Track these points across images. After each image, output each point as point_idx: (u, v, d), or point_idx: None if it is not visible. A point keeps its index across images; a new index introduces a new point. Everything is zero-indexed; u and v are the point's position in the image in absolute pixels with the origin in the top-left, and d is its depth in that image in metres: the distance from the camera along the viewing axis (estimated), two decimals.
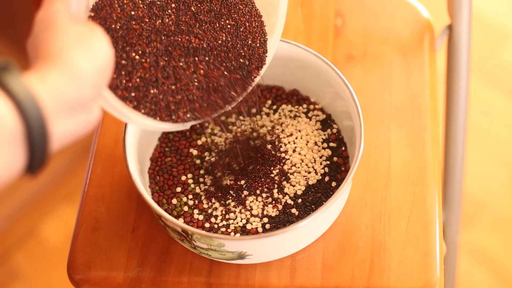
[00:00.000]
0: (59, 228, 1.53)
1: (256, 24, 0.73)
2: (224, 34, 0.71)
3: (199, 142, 0.82)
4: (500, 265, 1.44)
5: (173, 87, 0.69)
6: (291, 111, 0.83)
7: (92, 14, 0.67)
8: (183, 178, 0.79)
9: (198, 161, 0.80)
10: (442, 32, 0.96)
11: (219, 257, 0.74)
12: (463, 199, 1.36)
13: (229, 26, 0.72)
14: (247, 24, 0.73)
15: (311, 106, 0.84)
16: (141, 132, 0.79)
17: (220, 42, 0.71)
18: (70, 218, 1.53)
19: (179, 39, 0.70)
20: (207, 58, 0.71)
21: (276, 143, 0.80)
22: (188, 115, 0.70)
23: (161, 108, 0.69)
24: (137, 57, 0.68)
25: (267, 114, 0.83)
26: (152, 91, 0.68)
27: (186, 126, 0.71)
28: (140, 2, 0.69)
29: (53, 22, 0.55)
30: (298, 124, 0.82)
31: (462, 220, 1.44)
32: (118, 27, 0.67)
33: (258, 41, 0.73)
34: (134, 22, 0.68)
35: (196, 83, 0.70)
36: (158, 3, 0.70)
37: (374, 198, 0.80)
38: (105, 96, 0.63)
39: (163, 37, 0.69)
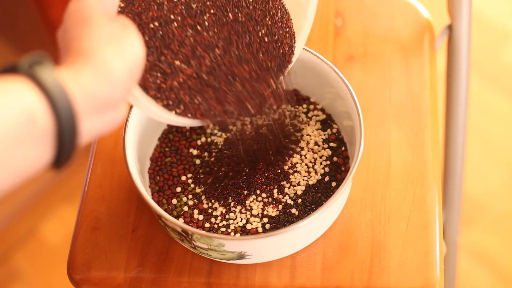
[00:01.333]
0: (59, 228, 1.53)
1: (287, 30, 0.72)
2: (262, 46, 0.71)
3: (199, 142, 0.82)
4: (500, 265, 1.44)
5: (212, 101, 0.69)
6: (291, 111, 0.83)
7: (122, 5, 0.66)
8: (183, 178, 0.79)
9: (198, 161, 0.80)
10: (442, 32, 0.96)
11: (219, 257, 0.74)
12: (463, 199, 1.36)
13: (265, 39, 0.71)
14: (281, 31, 0.72)
15: (311, 106, 0.84)
16: (141, 132, 0.79)
17: (260, 60, 0.71)
18: (70, 218, 1.53)
19: (223, 61, 0.69)
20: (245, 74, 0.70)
21: (277, 144, 0.80)
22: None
23: (189, 108, 0.69)
24: (177, 62, 0.67)
25: (267, 114, 0.83)
26: (182, 96, 0.68)
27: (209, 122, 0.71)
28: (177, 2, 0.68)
29: (86, 17, 0.55)
30: (298, 124, 0.82)
31: (462, 220, 1.44)
32: (156, 27, 0.67)
33: (287, 46, 0.72)
34: (175, 29, 0.68)
35: (232, 95, 0.70)
36: (194, 6, 0.69)
37: (374, 198, 0.80)
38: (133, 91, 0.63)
39: (210, 53, 0.69)
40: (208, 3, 0.70)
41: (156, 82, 0.67)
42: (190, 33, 0.68)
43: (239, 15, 0.70)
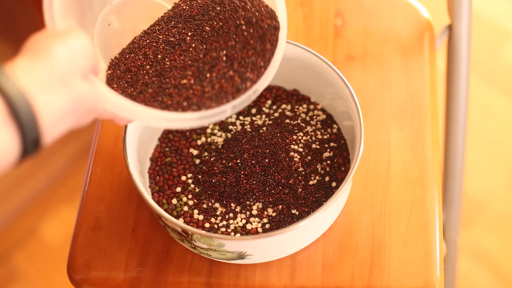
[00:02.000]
0: (59, 228, 1.53)
1: (263, 9, 0.72)
2: (248, 35, 0.72)
3: (199, 142, 0.82)
4: (500, 265, 1.44)
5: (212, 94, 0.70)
6: (291, 111, 0.83)
7: (110, 71, 0.73)
8: (183, 178, 0.79)
9: (198, 161, 0.80)
10: (442, 32, 0.96)
11: (219, 257, 0.74)
12: (463, 199, 1.36)
13: (247, 27, 0.72)
14: (257, 14, 0.72)
15: (311, 106, 0.84)
16: (141, 132, 0.79)
17: (248, 51, 0.71)
18: (70, 218, 1.53)
19: (210, 56, 0.72)
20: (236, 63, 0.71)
21: (277, 143, 0.80)
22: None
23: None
24: (185, 81, 0.70)
25: (267, 114, 0.83)
26: (185, 103, 0.69)
27: (224, 116, 0.69)
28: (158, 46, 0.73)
29: (36, 35, 0.59)
30: (298, 124, 0.82)
31: (462, 220, 1.44)
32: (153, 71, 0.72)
33: (269, 20, 0.72)
34: (167, 61, 0.72)
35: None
36: (172, 39, 0.73)
37: (374, 198, 0.80)
38: (139, 111, 0.65)
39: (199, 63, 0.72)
40: (183, 30, 0.73)
41: (162, 104, 0.69)
42: (182, 59, 0.71)
43: (215, 23, 0.72)
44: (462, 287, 1.42)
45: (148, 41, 0.74)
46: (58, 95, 0.55)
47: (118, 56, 0.74)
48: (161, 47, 0.73)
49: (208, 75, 0.70)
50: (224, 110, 0.68)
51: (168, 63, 0.72)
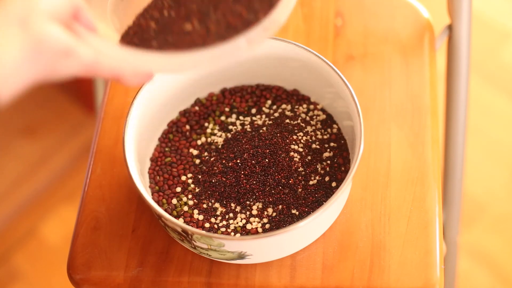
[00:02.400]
0: (59, 228, 1.53)
1: None
2: None
3: (199, 142, 0.82)
4: (500, 265, 1.44)
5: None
6: (291, 111, 0.83)
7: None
8: (183, 178, 0.80)
9: (198, 161, 0.80)
10: (442, 32, 0.96)
11: (219, 257, 0.74)
12: (463, 199, 1.36)
13: None
14: None
15: (311, 106, 0.84)
16: (141, 132, 0.79)
17: None
18: (70, 218, 1.53)
19: None
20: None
21: (277, 143, 0.80)
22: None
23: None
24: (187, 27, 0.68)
25: (267, 114, 0.83)
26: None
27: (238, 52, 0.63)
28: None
29: None
30: (298, 124, 0.82)
31: (462, 220, 1.44)
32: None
33: None
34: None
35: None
36: None
37: (374, 198, 0.80)
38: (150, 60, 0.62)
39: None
40: None
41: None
42: (186, 8, 0.68)
43: None
44: (462, 287, 1.42)
45: (155, 4, 0.71)
46: (11, 39, 0.52)
47: (129, 26, 0.71)
48: (166, 4, 0.70)
49: (213, 16, 0.67)
50: (237, 45, 0.60)
51: (173, 15, 0.69)
